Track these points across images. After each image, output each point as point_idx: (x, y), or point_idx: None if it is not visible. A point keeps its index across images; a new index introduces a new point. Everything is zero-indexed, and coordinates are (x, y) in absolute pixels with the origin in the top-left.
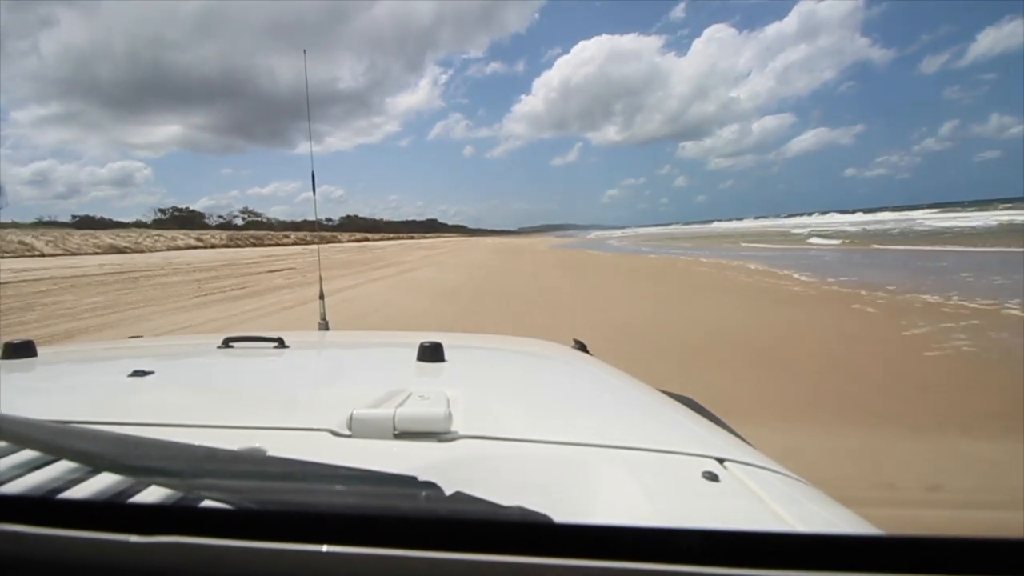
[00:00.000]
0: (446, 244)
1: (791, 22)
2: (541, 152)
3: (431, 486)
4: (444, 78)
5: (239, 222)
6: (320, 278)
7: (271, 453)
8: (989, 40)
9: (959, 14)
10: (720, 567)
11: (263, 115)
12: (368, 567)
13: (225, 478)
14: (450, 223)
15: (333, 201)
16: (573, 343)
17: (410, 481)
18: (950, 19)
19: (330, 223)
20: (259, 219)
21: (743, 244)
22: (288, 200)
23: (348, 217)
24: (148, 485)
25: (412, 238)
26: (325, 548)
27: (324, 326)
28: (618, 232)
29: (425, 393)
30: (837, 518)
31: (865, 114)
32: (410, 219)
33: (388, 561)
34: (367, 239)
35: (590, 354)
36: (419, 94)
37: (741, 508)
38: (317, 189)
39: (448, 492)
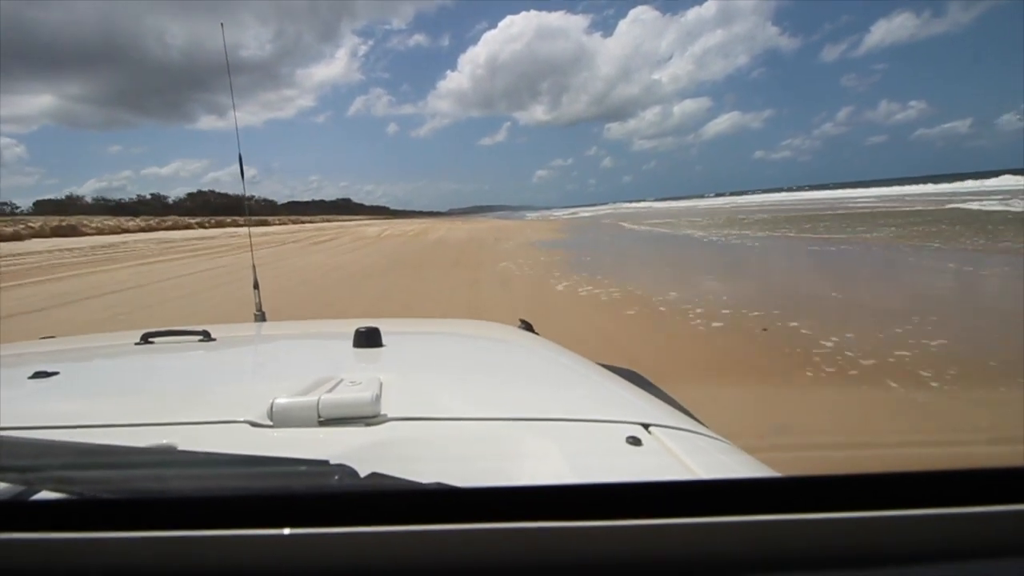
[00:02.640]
0: (324, 234)
1: (710, 7)
2: (469, 131)
3: (343, 468)
4: (364, 49)
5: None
6: (253, 265)
7: (182, 448)
8: (882, 31)
9: (857, 5)
10: (614, 520)
11: (154, 85)
12: (247, 549)
13: (79, 470)
14: (372, 204)
15: (246, 181)
16: (519, 323)
17: (320, 464)
18: (849, 9)
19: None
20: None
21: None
22: (193, 180)
23: (252, 199)
24: None
25: (312, 222)
26: (192, 533)
27: (260, 317)
28: (562, 212)
29: (357, 379)
30: (744, 468)
31: (773, 99)
32: (327, 199)
33: (267, 541)
34: (264, 222)
35: (536, 333)
36: (336, 66)
37: (656, 467)
38: (226, 168)
39: (365, 474)
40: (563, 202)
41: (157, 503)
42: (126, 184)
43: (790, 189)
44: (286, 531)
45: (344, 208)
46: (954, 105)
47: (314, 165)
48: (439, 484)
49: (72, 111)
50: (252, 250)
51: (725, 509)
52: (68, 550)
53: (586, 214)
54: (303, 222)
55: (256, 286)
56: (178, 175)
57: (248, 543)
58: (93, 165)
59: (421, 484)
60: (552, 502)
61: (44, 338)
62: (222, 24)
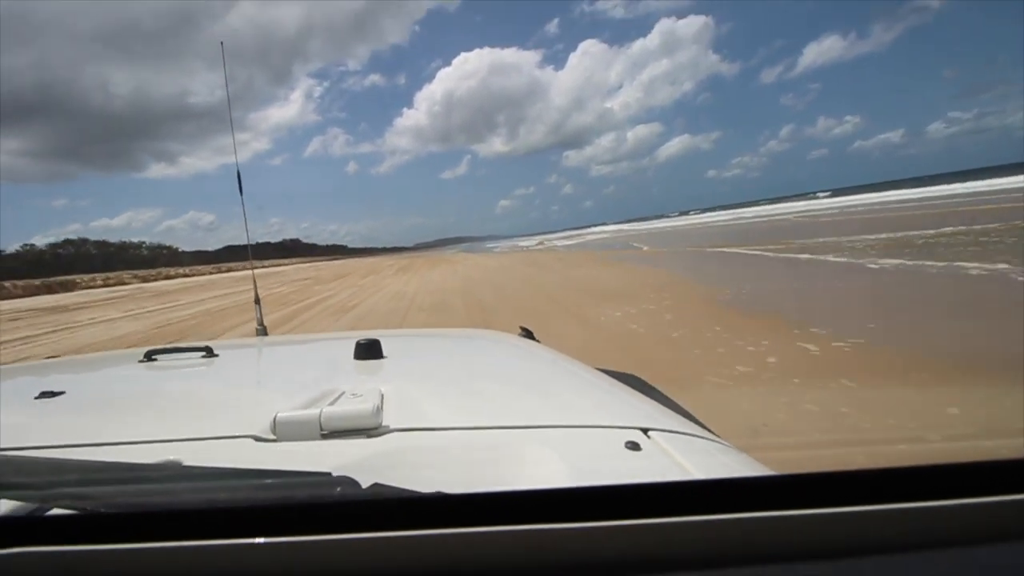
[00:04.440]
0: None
1: (654, 39)
2: (430, 166)
3: (345, 480)
4: (319, 91)
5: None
6: (255, 284)
7: (187, 464)
8: (813, 53)
9: (788, 30)
10: (609, 520)
11: (96, 135)
12: (251, 558)
13: (88, 486)
14: (328, 243)
15: (203, 229)
16: (520, 331)
17: (323, 476)
18: (781, 34)
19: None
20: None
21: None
22: (147, 230)
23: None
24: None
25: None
26: (195, 543)
27: (262, 332)
28: (531, 242)
29: (358, 391)
30: (742, 469)
31: (720, 121)
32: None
33: (274, 549)
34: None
35: (537, 341)
36: (290, 108)
37: (654, 471)
38: (184, 216)
39: (367, 485)
40: (527, 230)
41: (160, 515)
42: (74, 237)
43: (747, 204)
44: (287, 539)
45: (291, 250)
46: (886, 118)
47: (275, 208)
48: (439, 492)
49: (12, 166)
50: (253, 269)
51: (719, 508)
52: (79, 562)
53: (567, 242)
54: (223, 271)
55: (257, 301)
56: (130, 226)
57: (250, 552)
58: (37, 220)
59: (420, 492)
60: (546, 505)
61: (48, 358)
62: (221, 43)
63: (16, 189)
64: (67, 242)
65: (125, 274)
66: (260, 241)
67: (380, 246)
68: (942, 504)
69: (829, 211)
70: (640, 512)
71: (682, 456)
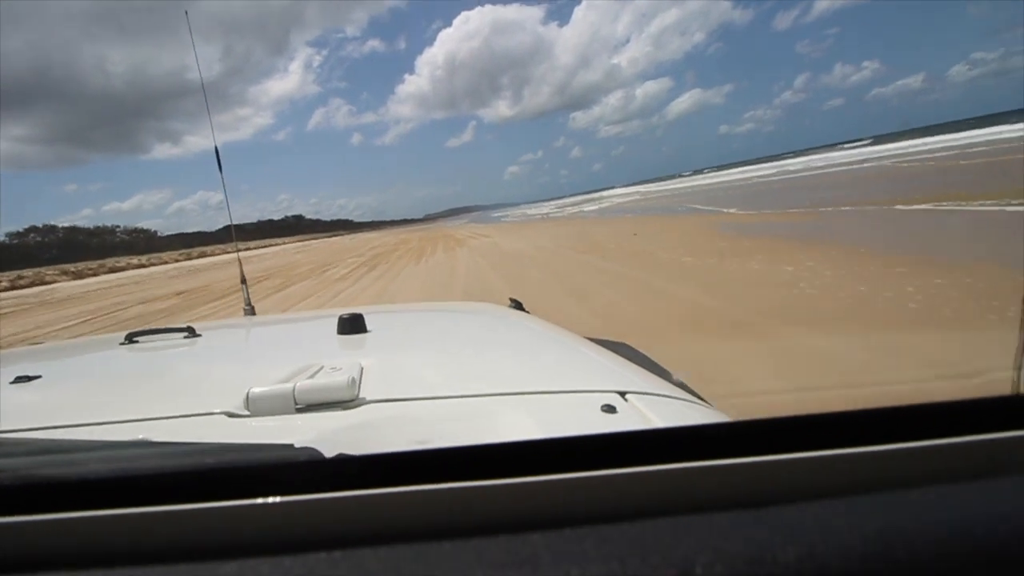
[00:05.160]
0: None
1: None
2: (435, 134)
3: (309, 451)
4: (318, 60)
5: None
6: (240, 263)
7: (154, 440)
8: None
9: None
10: (568, 472)
11: (99, 117)
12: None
13: (35, 459)
14: (334, 218)
15: (213, 208)
16: (509, 302)
17: (285, 448)
18: None
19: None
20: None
21: None
22: (158, 213)
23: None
24: None
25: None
26: (142, 510)
27: (249, 311)
28: (544, 206)
29: (337, 364)
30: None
31: (732, 74)
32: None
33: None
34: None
35: (526, 311)
36: (290, 80)
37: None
38: (193, 196)
39: (332, 455)
40: (538, 196)
41: (109, 482)
42: (89, 223)
43: (764, 159)
44: (229, 503)
45: (294, 228)
46: (905, 62)
47: (283, 184)
48: (389, 452)
49: (18, 153)
50: (238, 251)
51: (678, 456)
52: (26, 533)
53: (595, 208)
54: (193, 256)
55: (243, 281)
56: (141, 208)
57: (188, 516)
58: (51, 206)
59: (376, 454)
60: (490, 460)
61: (32, 343)
62: (185, 11)
63: (26, 176)
64: (31, 230)
65: (49, 271)
66: (262, 219)
67: (388, 219)
68: (886, 448)
69: (882, 160)
70: (598, 463)
71: (658, 417)
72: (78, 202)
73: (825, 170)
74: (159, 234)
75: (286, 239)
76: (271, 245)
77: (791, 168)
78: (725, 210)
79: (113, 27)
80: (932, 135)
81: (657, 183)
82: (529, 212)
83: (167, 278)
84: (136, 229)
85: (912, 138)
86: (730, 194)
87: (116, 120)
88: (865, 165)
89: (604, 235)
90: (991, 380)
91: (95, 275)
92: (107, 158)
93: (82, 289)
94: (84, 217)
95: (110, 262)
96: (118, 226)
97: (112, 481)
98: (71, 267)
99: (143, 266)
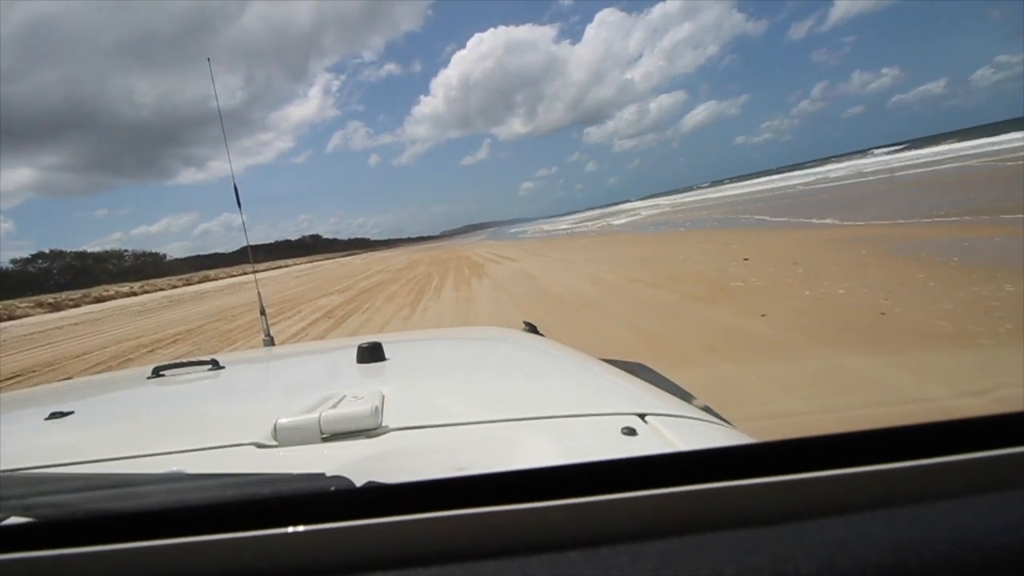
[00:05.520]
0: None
1: (674, 2)
2: (450, 152)
3: (340, 480)
4: (336, 84)
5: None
6: (259, 295)
7: (186, 473)
8: (846, 3)
9: None
10: (589, 496)
11: (127, 145)
12: (226, 553)
13: (76, 495)
14: (351, 237)
15: (236, 230)
16: (524, 326)
17: (316, 478)
18: None
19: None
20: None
21: None
22: (185, 235)
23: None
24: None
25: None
26: (171, 541)
27: (269, 342)
28: (564, 221)
29: (359, 393)
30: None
31: (748, 84)
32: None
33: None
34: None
35: (541, 335)
36: (310, 105)
37: (647, 453)
38: (218, 219)
39: (362, 483)
40: (553, 211)
41: (122, 517)
42: (120, 246)
43: (784, 169)
44: (266, 532)
45: (310, 247)
46: (926, 67)
47: (303, 205)
48: (414, 481)
49: (51, 181)
50: (257, 284)
51: (701, 477)
52: (67, 565)
53: (623, 221)
54: (208, 279)
55: (263, 312)
56: (168, 231)
57: (219, 547)
58: (82, 231)
59: (403, 482)
60: (513, 486)
61: (62, 380)
62: (208, 59)
63: (60, 203)
64: (38, 256)
65: (23, 302)
66: (279, 239)
67: (405, 236)
68: (896, 466)
69: (926, 165)
70: (619, 486)
71: (678, 439)
72: (109, 227)
73: (897, 173)
74: (167, 258)
75: (300, 259)
76: (280, 267)
77: (834, 175)
78: (816, 221)
79: (141, 59)
80: (970, 139)
81: (673, 195)
82: (549, 228)
83: (134, 314)
84: (145, 253)
85: (954, 141)
86: (790, 203)
87: (144, 147)
88: (947, 167)
89: (684, 258)
90: (1000, 398)
91: (77, 306)
92: (135, 184)
93: (41, 327)
94: (114, 240)
95: (97, 290)
96: (126, 250)
97: (152, 515)
98: (50, 297)
99: (134, 294)
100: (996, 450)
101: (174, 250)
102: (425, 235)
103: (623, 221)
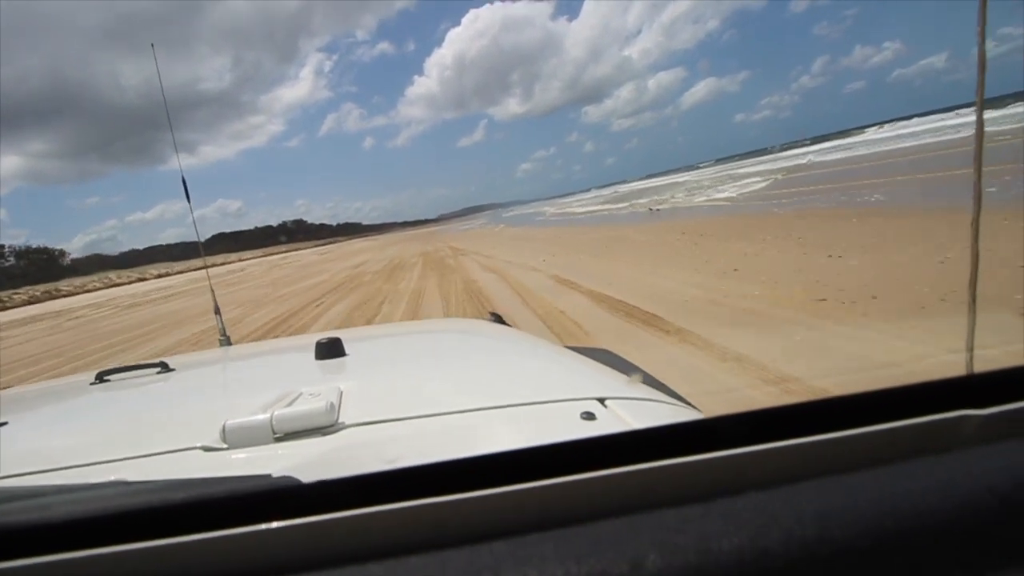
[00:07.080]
0: None
1: None
2: (446, 134)
3: (287, 480)
4: (328, 65)
5: None
6: (212, 293)
7: (128, 480)
8: None
9: None
10: (533, 481)
11: (116, 130)
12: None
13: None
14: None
15: (232, 216)
16: (489, 316)
17: (262, 479)
18: None
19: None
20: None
21: None
22: (180, 222)
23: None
24: None
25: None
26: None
27: (225, 342)
28: (561, 207)
29: (316, 391)
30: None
31: (748, 60)
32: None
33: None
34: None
35: (507, 324)
36: (301, 86)
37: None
38: (212, 204)
39: (308, 483)
40: (551, 192)
41: (77, 524)
42: (115, 233)
43: (787, 147)
44: (199, 536)
45: (292, 233)
46: (928, 41)
47: (299, 189)
48: (359, 475)
49: (40, 168)
50: (210, 280)
51: (634, 458)
52: None
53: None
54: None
55: (217, 311)
56: (163, 217)
57: (168, 551)
58: (76, 219)
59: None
60: (462, 473)
61: None
62: (152, 45)
63: (48, 190)
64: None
65: None
66: (260, 225)
67: (401, 220)
68: (826, 437)
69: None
70: (547, 472)
71: (636, 421)
72: (102, 214)
73: (887, 152)
74: (68, 257)
75: (276, 248)
76: (243, 260)
77: (863, 145)
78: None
79: (125, 42)
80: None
81: (672, 175)
82: (553, 211)
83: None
84: (34, 249)
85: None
86: (865, 184)
87: (133, 132)
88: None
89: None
90: (944, 362)
91: None
92: (127, 170)
93: None
94: (109, 228)
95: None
96: (4, 245)
97: (81, 522)
98: None
99: (53, 297)
100: (932, 415)
101: (169, 236)
102: (422, 218)
103: (644, 202)
